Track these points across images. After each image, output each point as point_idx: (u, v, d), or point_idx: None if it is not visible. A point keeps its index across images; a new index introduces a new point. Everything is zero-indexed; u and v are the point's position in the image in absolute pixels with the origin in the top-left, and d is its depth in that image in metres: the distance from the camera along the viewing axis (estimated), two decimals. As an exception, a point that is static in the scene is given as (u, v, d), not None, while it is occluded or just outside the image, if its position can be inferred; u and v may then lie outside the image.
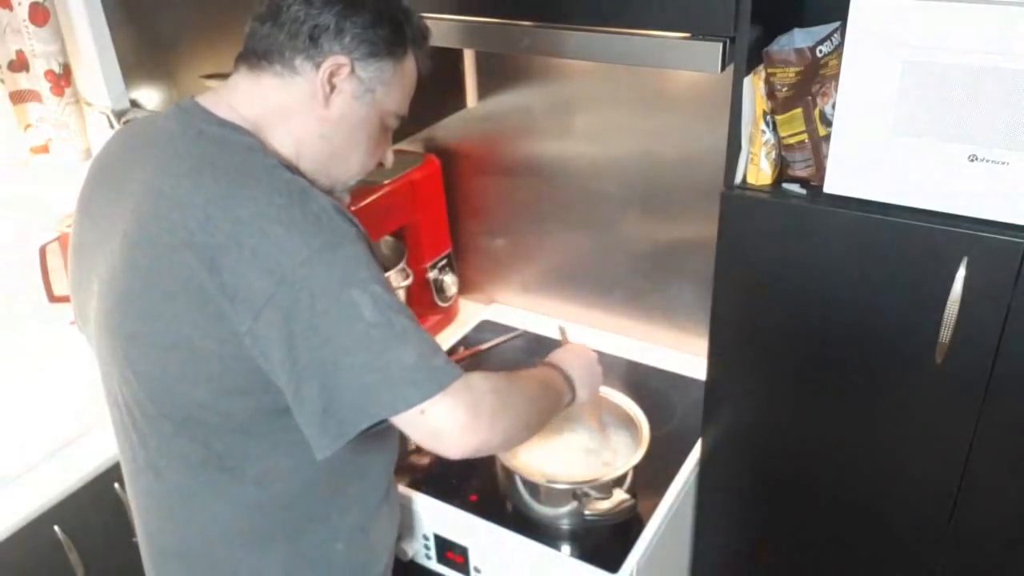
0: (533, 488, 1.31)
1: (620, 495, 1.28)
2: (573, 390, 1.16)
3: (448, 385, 0.88)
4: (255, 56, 0.97)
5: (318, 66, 0.95)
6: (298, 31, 0.94)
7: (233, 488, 0.99)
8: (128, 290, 0.93)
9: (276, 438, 0.96)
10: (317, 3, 0.94)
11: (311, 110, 0.97)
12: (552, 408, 1.11)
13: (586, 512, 1.27)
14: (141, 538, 1.12)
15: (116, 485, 1.47)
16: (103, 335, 0.99)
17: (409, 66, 1.02)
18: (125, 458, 1.07)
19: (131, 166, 0.97)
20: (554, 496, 1.30)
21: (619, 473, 1.29)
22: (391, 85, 1.00)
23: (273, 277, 0.84)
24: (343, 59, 0.95)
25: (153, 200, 0.91)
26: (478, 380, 0.92)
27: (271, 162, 0.92)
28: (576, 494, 1.27)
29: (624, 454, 1.36)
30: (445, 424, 0.88)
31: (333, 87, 0.96)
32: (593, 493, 1.27)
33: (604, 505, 1.27)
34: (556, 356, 1.21)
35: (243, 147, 0.93)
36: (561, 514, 1.31)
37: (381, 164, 1.09)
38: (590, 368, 1.22)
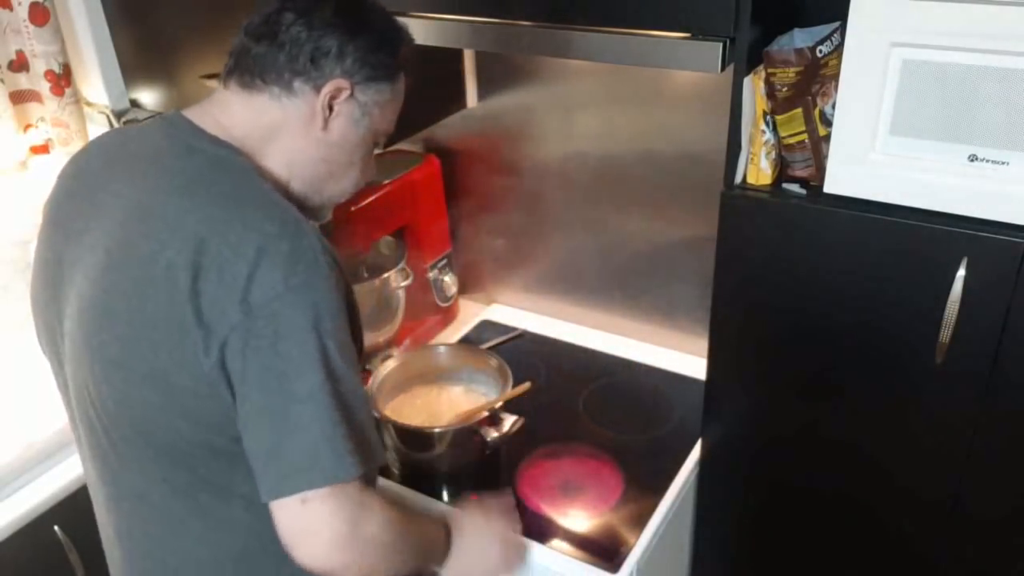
0: (441, 436, 1.39)
1: (511, 418, 1.41)
2: (443, 562, 1.08)
3: (349, 480, 0.85)
4: (248, 75, 0.94)
5: (318, 89, 0.93)
6: (298, 53, 0.92)
7: (222, 511, 0.95)
8: (109, 312, 0.89)
9: None
10: (318, 24, 0.92)
11: (308, 132, 0.95)
12: (419, 565, 1.03)
13: (488, 440, 1.39)
14: (119, 566, 1.05)
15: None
16: (81, 356, 0.93)
17: (401, 85, 1.01)
18: (104, 481, 1.01)
19: (111, 179, 0.94)
20: (456, 438, 1.39)
21: (500, 402, 1.42)
22: (386, 106, 0.99)
23: (243, 307, 0.82)
24: (344, 82, 0.94)
25: (140, 218, 0.88)
26: (377, 499, 0.90)
27: (267, 187, 0.91)
28: (473, 431, 1.39)
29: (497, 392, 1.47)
30: (320, 525, 0.85)
31: (332, 110, 0.95)
32: (486, 426, 1.40)
33: (500, 430, 1.40)
34: (464, 527, 1.11)
35: (237, 168, 0.91)
36: (468, 452, 1.41)
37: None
38: (483, 558, 1.13)
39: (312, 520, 0.85)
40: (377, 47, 0.95)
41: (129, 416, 0.92)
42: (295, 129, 0.95)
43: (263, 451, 0.86)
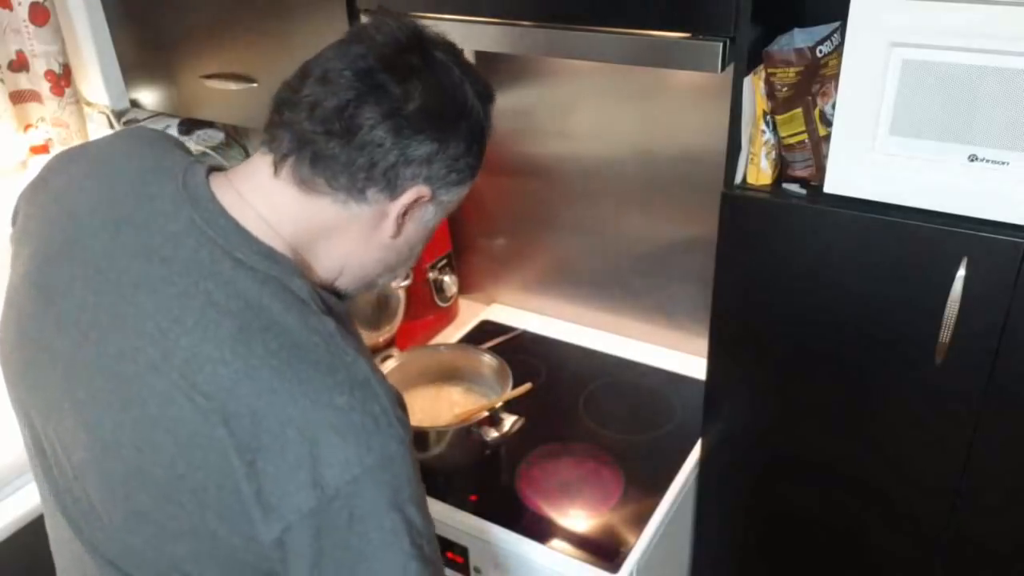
0: (440, 436, 1.40)
1: (511, 418, 1.40)
2: None
3: None
4: (309, 172, 0.78)
5: (395, 197, 0.80)
6: (380, 159, 0.77)
7: None
8: (143, 471, 0.76)
9: None
10: (407, 131, 0.77)
11: (372, 236, 0.83)
12: None
13: (488, 440, 1.39)
14: None
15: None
16: (86, 485, 0.81)
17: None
18: (78, 558, 0.89)
19: (118, 262, 0.77)
20: (456, 438, 1.39)
21: (500, 402, 1.42)
22: (461, 197, 0.88)
23: (315, 492, 0.72)
24: (425, 190, 0.81)
25: (182, 369, 0.73)
26: None
27: (329, 328, 0.77)
28: (473, 431, 1.39)
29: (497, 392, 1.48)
30: None
31: (406, 214, 0.83)
32: (486, 426, 1.40)
33: (500, 430, 1.40)
34: None
35: (295, 300, 0.77)
36: (468, 452, 1.42)
37: None
38: None
39: None
40: (469, 149, 0.82)
41: (143, 564, 0.81)
42: (356, 233, 0.82)
43: None
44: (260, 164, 0.81)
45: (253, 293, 0.75)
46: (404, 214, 0.82)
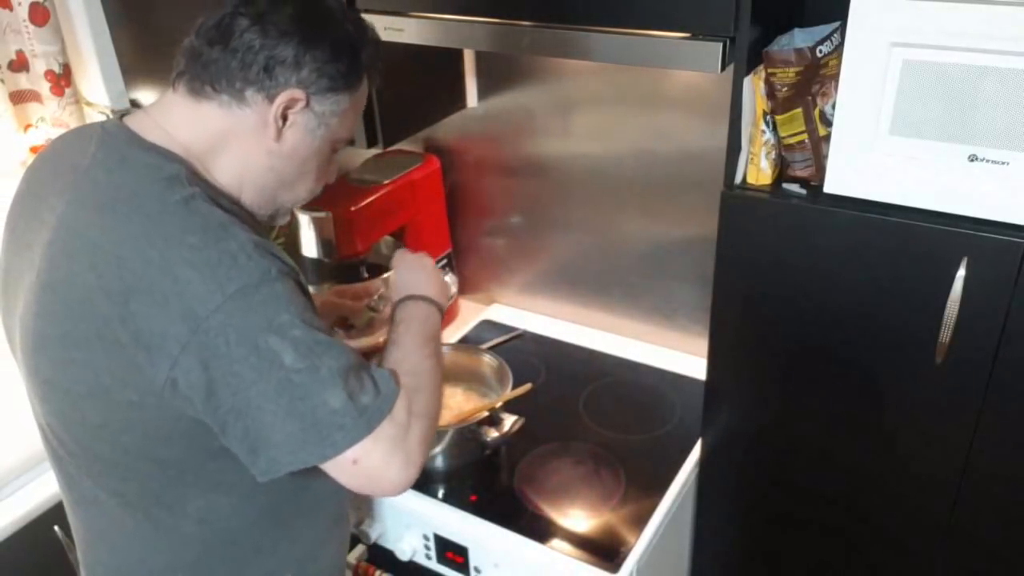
0: (440, 436, 1.39)
1: (511, 418, 1.41)
2: (441, 311, 1.13)
3: (376, 426, 0.85)
4: (198, 81, 0.90)
5: (271, 99, 0.90)
6: (252, 61, 0.88)
7: (173, 524, 0.95)
8: (42, 335, 0.88)
9: (213, 479, 0.93)
10: (274, 32, 0.88)
11: (259, 142, 0.92)
12: (440, 350, 1.09)
13: (488, 440, 1.39)
14: (83, 567, 1.08)
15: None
16: (27, 375, 0.95)
17: (363, 90, 0.98)
18: (62, 487, 1.03)
19: (50, 191, 0.91)
20: (456, 438, 1.40)
21: (500, 402, 1.42)
22: (345, 115, 0.96)
23: (187, 324, 0.80)
24: (299, 93, 0.90)
25: (65, 238, 0.86)
26: (400, 408, 0.89)
27: (189, 192, 0.85)
28: (473, 431, 1.39)
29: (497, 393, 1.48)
30: (379, 466, 0.86)
31: (286, 120, 0.92)
32: (486, 426, 1.40)
33: (500, 430, 1.40)
34: (412, 284, 1.13)
35: (164, 176, 0.86)
36: (468, 452, 1.42)
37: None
38: (438, 279, 1.15)
39: (370, 468, 0.86)
40: (336, 56, 0.91)
41: (74, 434, 0.93)
42: (245, 139, 0.92)
43: (249, 443, 0.84)
44: (167, 91, 0.95)
45: (129, 175, 0.87)
46: (283, 118, 0.91)
